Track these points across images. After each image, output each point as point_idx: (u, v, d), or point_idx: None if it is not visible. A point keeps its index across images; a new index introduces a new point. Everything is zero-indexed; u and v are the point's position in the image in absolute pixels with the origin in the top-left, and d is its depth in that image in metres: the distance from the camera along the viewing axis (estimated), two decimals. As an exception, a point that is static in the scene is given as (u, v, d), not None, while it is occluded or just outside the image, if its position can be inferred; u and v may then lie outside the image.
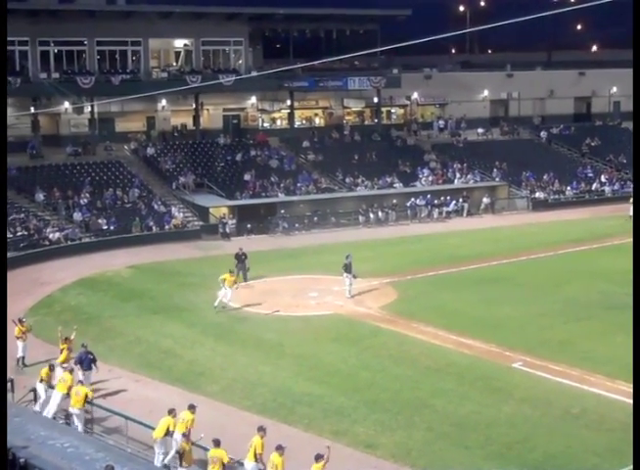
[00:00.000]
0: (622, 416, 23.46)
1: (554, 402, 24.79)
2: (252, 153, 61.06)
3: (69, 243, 47.51)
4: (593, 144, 70.49)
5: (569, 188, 63.92)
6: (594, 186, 64.89)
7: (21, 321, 28.98)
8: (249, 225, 53.14)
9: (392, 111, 74.52)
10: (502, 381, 26.67)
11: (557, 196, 63.40)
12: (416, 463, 21.02)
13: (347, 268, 36.48)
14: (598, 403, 24.66)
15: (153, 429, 21.29)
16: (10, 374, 25.94)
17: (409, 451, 21.73)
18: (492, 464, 21.03)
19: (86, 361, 25.82)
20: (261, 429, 19.37)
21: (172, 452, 20.66)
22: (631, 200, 53.06)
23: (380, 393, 25.89)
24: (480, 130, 70.51)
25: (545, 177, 64.50)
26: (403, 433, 22.90)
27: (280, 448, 18.48)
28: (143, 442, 21.67)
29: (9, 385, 24.49)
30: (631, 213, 51.13)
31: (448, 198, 59.38)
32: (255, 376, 27.47)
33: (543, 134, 71.73)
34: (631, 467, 19.97)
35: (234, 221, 53.04)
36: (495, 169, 64.02)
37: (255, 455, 18.97)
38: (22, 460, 18.70)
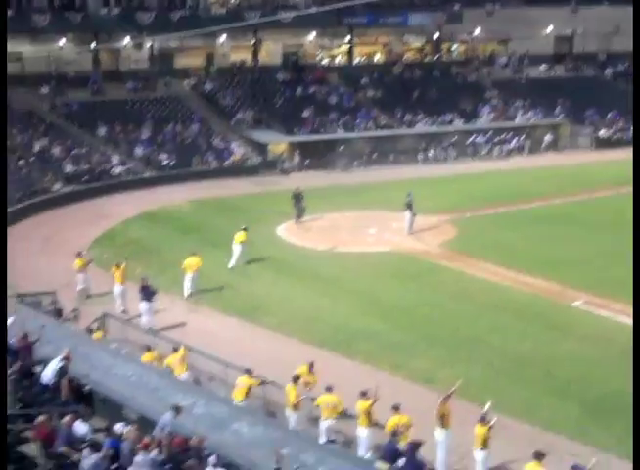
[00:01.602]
0: (684, 356, 23.28)
1: (614, 341, 24.65)
2: (311, 89, 60.64)
3: (131, 177, 48.08)
4: (659, 81, 68.62)
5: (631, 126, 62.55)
6: (660, 124, 63.41)
7: (80, 254, 29.45)
8: (307, 161, 53.11)
9: (453, 47, 73.20)
10: (562, 319, 26.58)
11: (621, 134, 62.15)
12: (474, 398, 21.00)
13: (409, 206, 36.37)
14: (659, 342, 24.47)
15: (213, 360, 21.67)
16: (75, 304, 26.60)
17: (467, 386, 21.64)
18: (551, 399, 21.10)
19: (146, 293, 26.17)
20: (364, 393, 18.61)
21: None
22: None
23: (438, 329, 25.98)
24: (543, 67, 69.08)
25: (609, 115, 63.21)
26: (462, 368, 22.94)
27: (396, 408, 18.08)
28: (205, 371, 22.03)
29: (72, 315, 25.12)
30: None
31: (510, 135, 58.61)
32: (314, 311, 27.70)
33: (608, 71, 70.07)
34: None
35: (298, 158, 52.94)
36: (558, 107, 62.84)
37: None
38: (87, 388, 19.20)
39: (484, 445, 17.13)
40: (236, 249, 32.44)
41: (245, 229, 32.69)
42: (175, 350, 21.92)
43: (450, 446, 17.78)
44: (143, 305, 26.19)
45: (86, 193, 44.27)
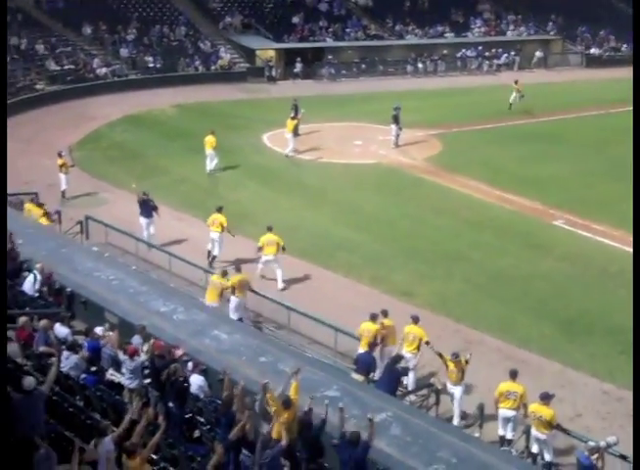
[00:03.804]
0: (660, 277, 23.57)
1: (593, 261, 24.92)
2: (302, -6, 59.63)
3: (116, 79, 47.44)
4: (655, 0, 67.69)
5: (625, 45, 62.03)
6: (652, 44, 62.86)
7: (60, 155, 29.11)
8: (295, 70, 52.56)
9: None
10: (542, 237, 26.74)
11: (612, 53, 61.65)
12: (451, 313, 21.36)
13: (396, 119, 36.12)
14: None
15: (194, 266, 21.80)
16: (57, 206, 26.44)
17: (445, 301, 22.06)
18: (527, 317, 21.35)
19: (146, 209, 25.13)
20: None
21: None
22: None
23: (419, 243, 26.09)
24: (538, -20, 67.99)
25: (601, 33, 62.58)
26: (440, 283, 23.19)
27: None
28: (185, 278, 22.17)
29: (56, 216, 24.93)
30: None
31: (500, 50, 58.01)
32: (297, 220, 27.69)
33: (603, -12, 69.12)
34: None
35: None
36: (550, 23, 62.15)
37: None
38: (68, 290, 19.31)
39: (458, 379, 16.81)
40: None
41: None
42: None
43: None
44: (142, 221, 25.09)
45: (70, 93, 43.66)
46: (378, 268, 24.07)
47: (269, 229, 23.00)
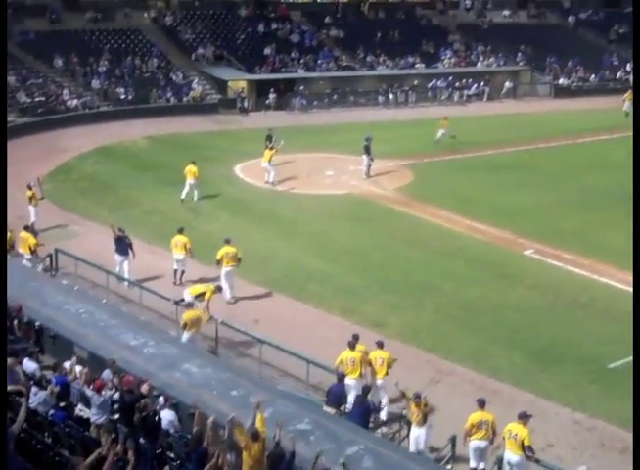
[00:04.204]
0: (629, 307, 23.62)
1: (563, 290, 25.00)
2: (274, 26, 59.92)
3: (87, 111, 47.42)
4: (621, 31, 68.70)
5: (593, 76, 62.82)
6: (618, 75, 63.72)
7: (30, 187, 28.94)
8: (267, 101, 52.76)
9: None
10: (513, 267, 26.83)
11: (580, 83, 62.41)
12: (423, 343, 21.38)
13: (367, 149, 36.33)
14: (607, 293, 24.85)
15: (167, 299, 21.70)
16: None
17: (416, 332, 22.08)
18: (497, 347, 21.38)
19: (122, 246, 24.57)
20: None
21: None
22: (626, 95, 51.73)
23: (390, 274, 26.11)
24: (507, 12, 68.86)
25: (570, 64, 63.36)
26: (412, 313, 23.22)
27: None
28: (156, 310, 22.04)
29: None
30: (626, 109, 50.31)
31: (470, 81, 58.59)
32: (269, 251, 27.68)
33: (571, 19, 70.00)
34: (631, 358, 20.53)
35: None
36: (519, 53, 62.88)
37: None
38: (37, 324, 19.17)
39: (421, 421, 16.32)
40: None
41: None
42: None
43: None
44: (117, 258, 24.63)
45: (41, 125, 43.59)
46: (349, 299, 24.05)
47: (227, 242, 23.57)
